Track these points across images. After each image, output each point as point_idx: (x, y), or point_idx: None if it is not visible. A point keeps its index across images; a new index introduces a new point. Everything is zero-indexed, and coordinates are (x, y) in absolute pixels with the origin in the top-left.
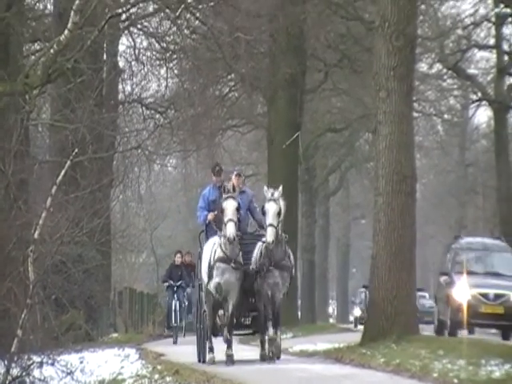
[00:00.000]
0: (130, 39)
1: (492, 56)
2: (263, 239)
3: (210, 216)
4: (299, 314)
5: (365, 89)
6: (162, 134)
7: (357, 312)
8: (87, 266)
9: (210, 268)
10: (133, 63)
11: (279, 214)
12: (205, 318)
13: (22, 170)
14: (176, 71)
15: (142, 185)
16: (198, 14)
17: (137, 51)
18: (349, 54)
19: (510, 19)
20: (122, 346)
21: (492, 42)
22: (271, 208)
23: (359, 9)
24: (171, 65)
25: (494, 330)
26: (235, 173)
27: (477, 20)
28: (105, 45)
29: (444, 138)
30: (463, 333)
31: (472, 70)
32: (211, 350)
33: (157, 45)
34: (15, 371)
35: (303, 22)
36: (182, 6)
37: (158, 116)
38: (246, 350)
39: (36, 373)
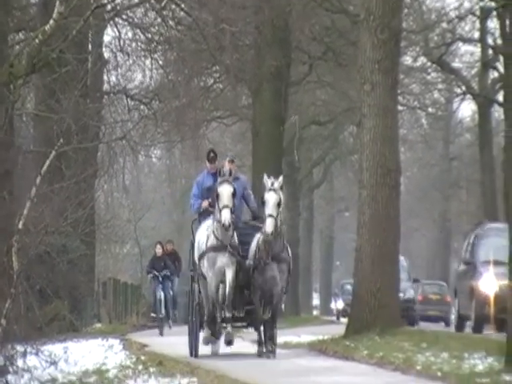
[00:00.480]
0: (115, 30)
1: (476, 50)
2: (261, 231)
3: (205, 204)
4: (283, 306)
5: (349, 82)
6: (146, 124)
7: (339, 304)
8: (71, 257)
9: (202, 254)
10: (118, 54)
11: (279, 204)
12: (197, 310)
13: (6, 160)
14: (161, 62)
15: (126, 175)
16: (183, 5)
17: (122, 42)
18: (333, 46)
19: (494, 13)
20: (105, 337)
21: (476, 35)
22: (271, 198)
23: (344, 1)
24: (156, 56)
25: None
26: (228, 158)
27: (461, 14)
28: (90, 35)
29: (428, 131)
30: (490, 329)
31: (456, 64)
32: (206, 342)
33: (142, 36)
34: None
35: (288, 14)
36: None
37: (142, 107)
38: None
39: (19, 362)
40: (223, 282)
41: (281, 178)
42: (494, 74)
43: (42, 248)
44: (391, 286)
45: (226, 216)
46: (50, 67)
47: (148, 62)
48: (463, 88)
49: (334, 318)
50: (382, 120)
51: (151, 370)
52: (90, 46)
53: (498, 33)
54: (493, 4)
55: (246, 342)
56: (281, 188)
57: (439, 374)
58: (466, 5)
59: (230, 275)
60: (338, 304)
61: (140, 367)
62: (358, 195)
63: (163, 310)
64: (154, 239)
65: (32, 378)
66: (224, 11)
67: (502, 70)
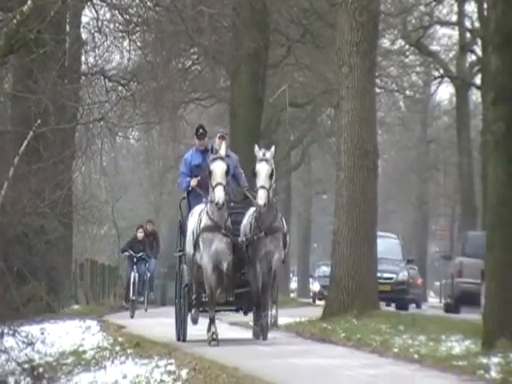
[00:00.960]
0: (93, 11)
1: (454, 33)
2: (254, 206)
3: (194, 182)
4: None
5: (327, 64)
6: (124, 106)
7: (315, 287)
8: (49, 238)
9: (196, 238)
10: (96, 35)
11: (271, 175)
12: (186, 292)
13: None
14: (139, 43)
15: (104, 157)
16: None
17: (100, 23)
18: (312, 29)
19: None
20: (83, 318)
21: (454, 18)
22: (263, 169)
23: None
24: (134, 37)
25: None
26: (219, 134)
27: None
28: (67, 16)
29: (406, 114)
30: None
31: (434, 47)
32: (195, 321)
33: (120, 17)
34: None
35: None
36: None
37: (120, 88)
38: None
39: None
40: (219, 267)
41: (273, 148)
42: (471, 57)
43: (20, 229)
44: (369, 269)
45: (219, 194)
46: (28, 48)
47: (126, 43)
48: (441, 71)
49: (310, 301)
50: (359, 102)
51: (128, 351)
52: (67, 27)
53: (475, 16)
54: None
55: (223, 324)
56: (273, 158)
57: (416, 356)
58: None
59: (226, 264)
60: (314, 286)
61: (117, 349)
62: (336, 177)
63: (135, 292)
64: (131, 221)
65: (9, 359)
66: None
67: (479, 53)
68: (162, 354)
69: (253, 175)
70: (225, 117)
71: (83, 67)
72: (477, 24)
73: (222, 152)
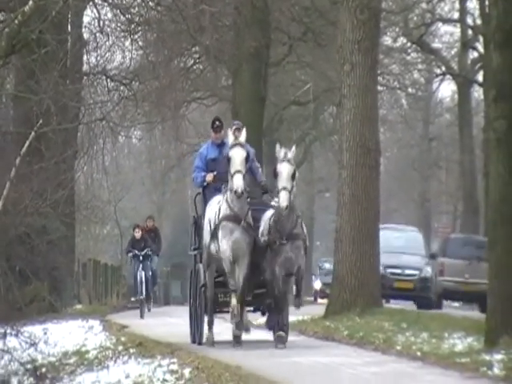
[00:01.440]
0: (95, 11)
1: (456, 30)
2: (274, 207)
3: (209, 177)
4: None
5: (329, 62)
6: (126, 105)
7: (317, 285)
8: (51, 238)
9: (215, 227)
10: (97, 35)
11: (293, 176)
12: (202, 292)
13: None
14: (141, 43)
15: (106, 156)
16: None
17: (101, 23)
18: (313, 27)
19: None
20: (85, 318)
21: (456, 16)
22: (284, 169)
23: None
24: (136, 37)
25: None
26: (234, 127)
27: None
28: (69, 16)
29: (408, 111)
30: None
31: (436, 44)
32: (211, 326)
33: (121, 16)
34: None
35: None
36: None
37: (122, 88)
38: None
39: None
40: (237, 263)
41: (294, 148)
42: (473, 55)
43: (22, 229)
44: (371, 266)
45: (238, 183)
46: (30, 48)
47: (128, 42)
48: (443, 68)
49: (312, 299)
50: (361, 100)
51: (131, 351)
52: (69, 27)
53: (477, 13)
54: None
55: (227, 323)
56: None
57: (419, 353)
58: None
59: (245, 262)
60: (315, 284)
61: (120, 348)
62: (338, 175)
63: (144, 292)
64: (133, 220)
65: (12, 359)
66: None
67: (481, 50)
68: (165, 354)
69: (274, 176)
70: (227, 115)
71: (85, 67)
72: (478, 21)
73: (242, 139)
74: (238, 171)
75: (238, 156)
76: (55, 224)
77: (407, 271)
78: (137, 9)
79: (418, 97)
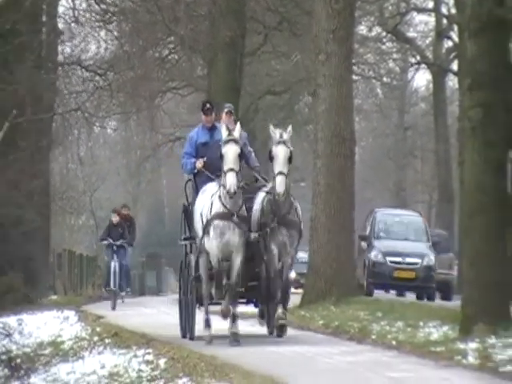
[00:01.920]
0: (70, 0)
1: (431, 19)
2: (264, 189)
3: (199, 164)
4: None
5: (304, 52)
6: (101, 96)
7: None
8: (26, 228)
9: (207, 223)
10: (72, 25)
11: (290, 159)
12: (193, 286)
13: None
14: (116, 33)
15: (81, 147)
16: None
17: (76, 13)
18: (288, 16)
19: None
20: (61, 309)
21: (431, 5)
22: (280, 152)
23: None
24: (111, 27)
25: None
26: (226, 110)
27: None
28: (44, 6)
29: (383, 101)
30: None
31: (411, 33)
32: (208, 324)
33: (96, 6)
34: None
35: None
36: None
37: (97, 78)
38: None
39: None
40: (228, 261)
41: (290, 128)
42: (448, 44)
43: None
44: (346, 255)
45: (231, 181)
46: (4, 38)
47: (103, 33)
48: (418, 57)
49: None
50: (336, 90)
51: (107, 341)
52: (43, 17)
53: (451, 2)
54: None
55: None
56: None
57: (394, 342)
58: None
59: (238, 260)
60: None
61: (95, 339)
62: (313, 165)
63: (116, 283)
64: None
65: None
66: None
67: (456, 39)
68: (140, 344)
69: (269, 159)
70: None
71: (60, 57)
72: (453, 10)
73: (236, 133)
74: (231, 169)
75: (231, 153)
76: (30, 215)
77: (408, 259)
78: None
79: (393, 86)
